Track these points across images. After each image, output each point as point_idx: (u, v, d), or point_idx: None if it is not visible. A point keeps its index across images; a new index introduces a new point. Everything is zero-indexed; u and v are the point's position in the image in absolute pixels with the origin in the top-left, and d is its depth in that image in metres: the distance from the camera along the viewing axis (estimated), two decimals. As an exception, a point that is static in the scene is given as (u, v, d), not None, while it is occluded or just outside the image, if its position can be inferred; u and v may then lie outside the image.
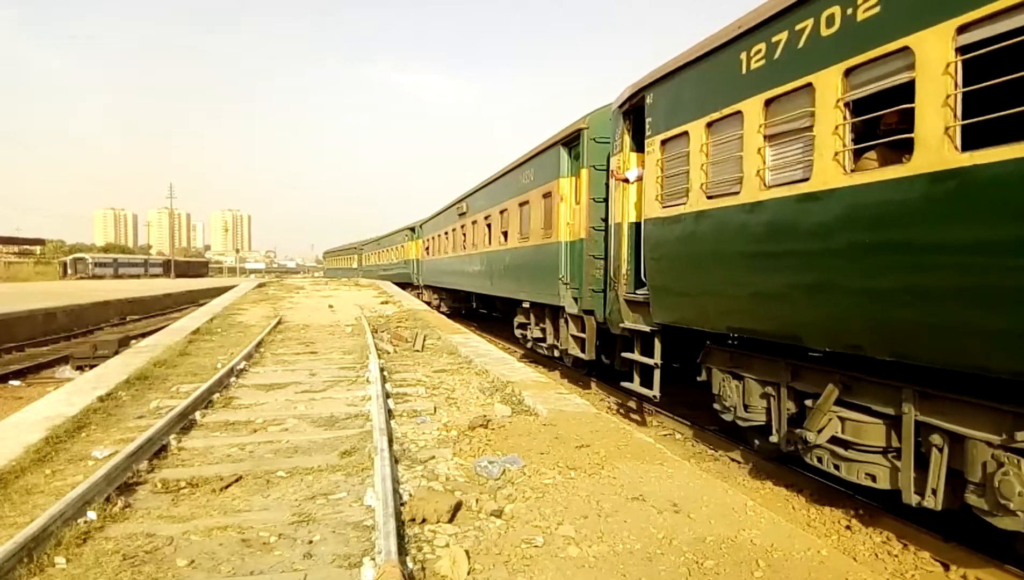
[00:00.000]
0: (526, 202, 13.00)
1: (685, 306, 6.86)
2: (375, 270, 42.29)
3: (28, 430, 5.61)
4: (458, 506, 4.03)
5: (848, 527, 5.39)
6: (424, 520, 3.82)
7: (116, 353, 11.94)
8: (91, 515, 3.81)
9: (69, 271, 64.99)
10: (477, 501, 4.20)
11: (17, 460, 4.83)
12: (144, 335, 15.62)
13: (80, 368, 12.76)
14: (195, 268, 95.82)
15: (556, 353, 11.87)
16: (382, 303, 20.97)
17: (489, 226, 16.35)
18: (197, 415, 6.39)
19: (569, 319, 10.69)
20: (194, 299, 32.01)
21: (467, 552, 3.42)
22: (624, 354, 8.47)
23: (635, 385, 8.10)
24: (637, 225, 8.05)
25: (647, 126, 7.45)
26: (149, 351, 10.34)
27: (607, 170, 9.28)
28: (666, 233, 7.03)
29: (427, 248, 27.86)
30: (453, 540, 3.61)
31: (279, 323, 14.97)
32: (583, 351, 10.36)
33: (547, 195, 11.69)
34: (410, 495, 4.19)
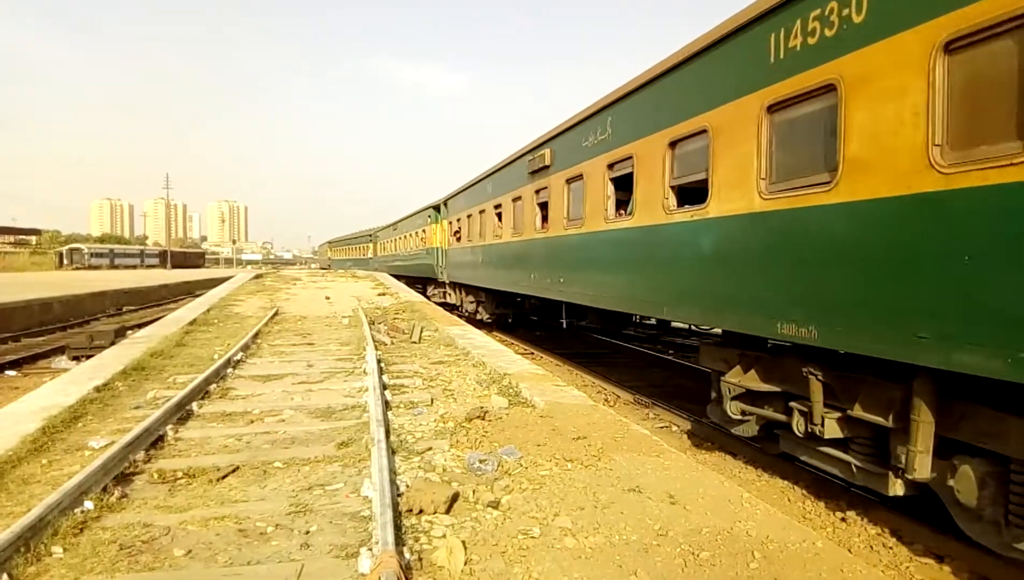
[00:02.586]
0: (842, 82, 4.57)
1: None
2: (389, 261, 35.06)
3: (25, 420, 5.60)
4: (455, 497, 4.04)
5: (843, 519, 5.43)
6: (421, 511, 3.83)
7: (112, 343, 11.91)
8: (88, 505, 3.81)
9: (65, 261, 64.91)
10: (474, 492, 4.21)
11: (14, 450, 4.82)
12: (140, 326, 15.60)
13: (76, 358, 12.72)
14: (191, 259, 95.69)
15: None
16: (379, 295, 20.94)
17: (617, 181, 8.68)
18: (194, 406, 6.39)
19: None
20: (190, 290, 31.96)
21: (464, 543, 3.43)
22: None
23: None
24: None
25: None
26: (146, 342, 10.32)
27: None
28: None
29: (457, 232, 19.91)
30: (450, 531, 3.62)
31: (276, 314, 14.95)
32: None
33: None
34: (407, 486, 4.19)
